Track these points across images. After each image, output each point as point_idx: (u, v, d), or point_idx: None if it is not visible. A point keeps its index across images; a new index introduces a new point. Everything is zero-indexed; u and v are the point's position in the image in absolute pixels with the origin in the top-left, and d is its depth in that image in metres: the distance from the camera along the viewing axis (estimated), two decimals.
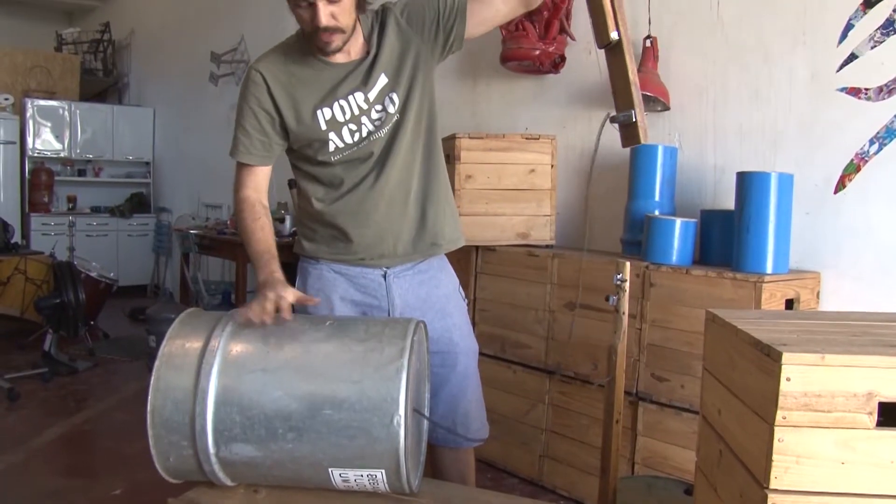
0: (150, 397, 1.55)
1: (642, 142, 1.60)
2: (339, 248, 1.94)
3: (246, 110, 1.88)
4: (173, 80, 7.66)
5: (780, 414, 1.12)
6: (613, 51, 1.60)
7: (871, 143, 2.36)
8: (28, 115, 7.57)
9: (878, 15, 2.34)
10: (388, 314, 1.94)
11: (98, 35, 8.82)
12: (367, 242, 1.91)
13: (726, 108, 2.73)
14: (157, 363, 1.58)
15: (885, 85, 2.33)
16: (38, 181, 7.57)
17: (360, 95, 1.86)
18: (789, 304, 2.36)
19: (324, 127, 1.85)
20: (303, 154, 1.92)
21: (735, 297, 2.30)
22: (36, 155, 7.67)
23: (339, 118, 1.85)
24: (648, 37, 2.87)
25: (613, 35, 1.58)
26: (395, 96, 1.87)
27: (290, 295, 1.69)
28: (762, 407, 1.16)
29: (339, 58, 1.85)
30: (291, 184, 4.69)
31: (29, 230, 7.35)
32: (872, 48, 2.36)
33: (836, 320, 1.53)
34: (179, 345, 1.61)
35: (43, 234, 7.22)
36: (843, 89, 2.43)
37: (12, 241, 5.69)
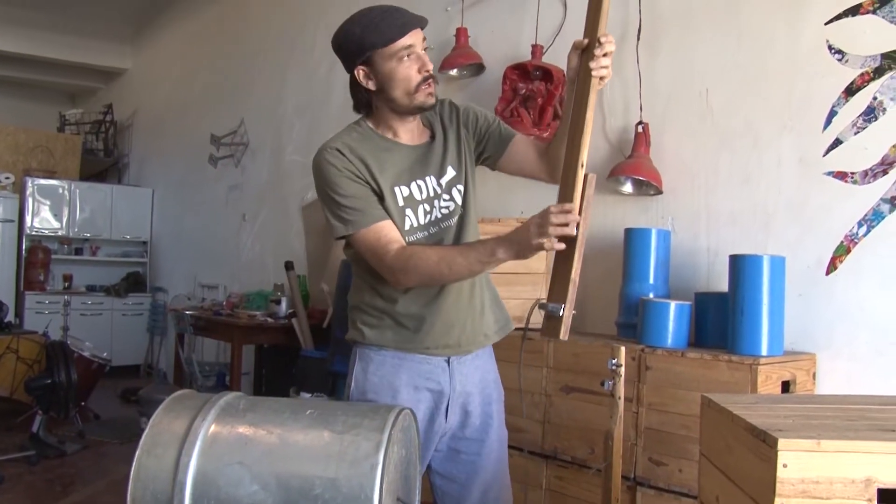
0: (130, 487, 1.56)
1: (562, 338, 1.62)
2: (406, 336, 1.91)
3: (342, 182, 1.83)
4: (173, 161, 7.78)
5: (777, 501, 1.11)
6: (568, 247, 1.63)
7: (860, 225, 2.40)
8: (28, 193, 7.67)
9: (860, 102, 2.41)
10: (449, 399, 1.93)
11: (101, 116, 8.99)
12: (436, 332, 1.91)
13: (718, 191, 2.78)
14: (138, 451, 1.59)
15: (870, 169, 2.38)
16: (34, 259, 7.59)
17: (433, 180, 1.91)
18: (785, 386, 2.35)
19: (401, 203, 1.87)
20: None
21: (731, 379, 2.30)
22: (34, 233, 7.72)
23: (417, 196, 1.89)
24: (640, 122, 2.94)
25: (572, 231, 1.62)
26: (461, 188, 1.94)
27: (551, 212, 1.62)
28: (760, 494, 1.16)
29: (405, 138, 1.93)
30: (289, 266, 4.72)
31: (23, 309, 7.33)
32: (856, 134, 2.42)
33: (833, 404, 1.53)
34: (162, 432, 1.61)
35: (37, 313, 7.21)
36: (829, 173, 2.48)
37: (6, 319, 5.66)
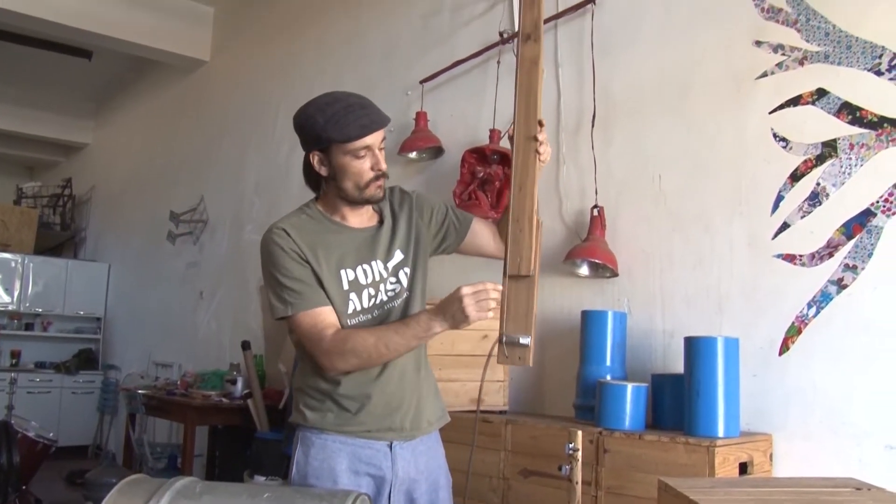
0: None
1: (530, 364, 1.77)
2: (347, 418, 1.91)
3: (286, 263, 1.86)
4: (131, 236, 7.71)
5: None
6: (524, 281, 1.77)
7: (809, 306, 2.45)
8: None
9: (805, 188, 2.50)
10: (391, 485, 1.91)
11: (59, 190, 8.93)
12: (378, 414, 1.91)
13: (672, 274, 2.83)
14: None
15: (817, 252, 2.45)
16: None
17: (380, 264, 1.94)
18: (743, 467, 2.35)
19: (346, 287, 1.89)
20: None
21: (689, 462, 2.29)
22: None
23: (362, 281, 1.91)
24: (596, 206, 3.00)
25: (526, 270, 1.79)
26: (407, 271, 1.98)
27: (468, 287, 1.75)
28: None
29: (354, 222, 1.96)
30: (245, 345, 4.66)
31: None
32: (802, 218, 2.50)
33: (787, 487, 1.54)
34: None
35: None
36: (779, 256, 2.54)
37: None
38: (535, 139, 1.85)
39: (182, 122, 7.00)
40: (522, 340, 1.75)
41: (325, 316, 1.86)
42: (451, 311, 1.74)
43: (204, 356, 5.87)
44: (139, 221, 7.49)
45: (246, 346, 4.67)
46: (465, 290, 1.73)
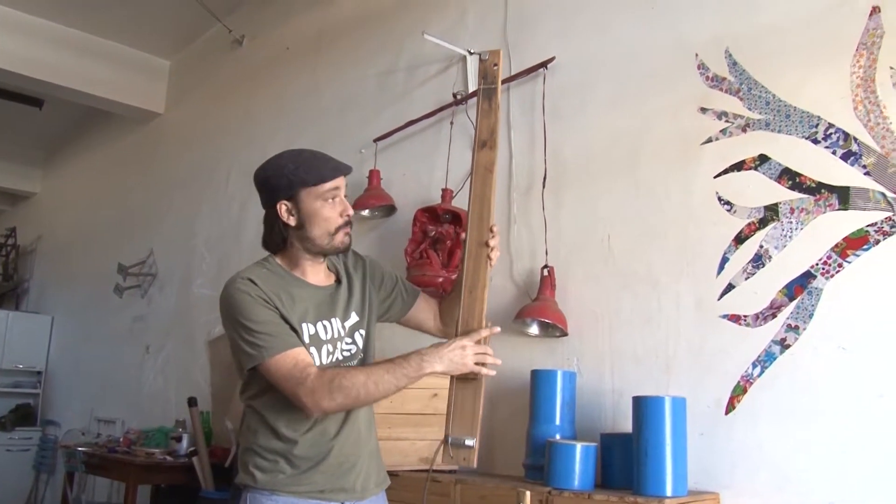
0: None
1: (474, 466, 1.83)
2: (301, 479, 1.89)
3: (255, 308, 1.84)
4: (76, 288, 7.54)
5: None
6: (470, 383, 1.86)
7: (754, 366, 2.50)
8: None
9: (749, 250, 2.56)
10: None
11: (3, 239, 8.72)
12: (332, 474, 1.90)
13: (621, 333, 2.86)
14: None
15: (761, 312, 2.51)
16: None
17: (338, 322, 1.96)
18: None
19: (307, 340, 1.88)
20: None
21: None
22: None
23: (322, 336, 1.92)
24: (546, 266, 3.03)
25: (473, 373, 1.85)
26: (363, 332, 2.00)
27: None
28: None
29: (313, 279, 1.98)
30: (192, 402, 4.56)
31: None
32: (746, 279, 2.56)
33: None
34: None
35: None
36: (724, 316, 2.59)
37: None
38: (487, 245, 1.90)
39: (133, 174, 6.93)
40: (468, 442, 1.80)
41: (305, 356, 1.84)
42: (450, 356, 1.80)
43: (149, 412, 5.72)
44: (86, 273, 7.34)
45: (192, 402, 4.56)
46: (467, 341, 1.82)
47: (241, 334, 1.84)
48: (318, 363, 1.89)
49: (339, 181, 1.93)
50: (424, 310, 2.17)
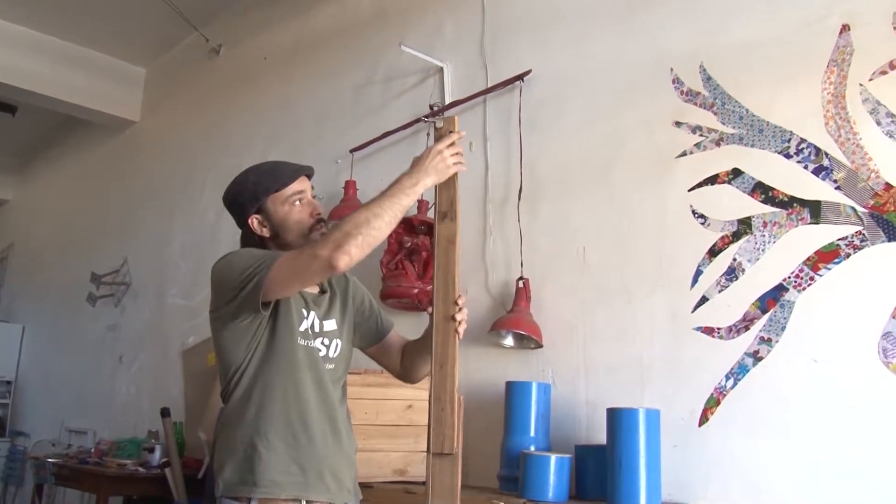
0: None
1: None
2: (278, 480, 1.88)
3: (245, 253, 1.90)
4: (49, 297, 7.45)
5: None
6: (447, 458, 1.85)
7: (728, 378, 2.51)
8: None
9: (722, 263, 2.59)
10: None
11: None
12: (309, 476, 1.90)
13: (595, 345, 2.87)
14: None
15: (734, 325, 2.53)
16: None
17: (317, 319, 1.97)
18: None
19: (301, 306, 1.94)
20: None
21: None
22: None
23: (305, 321, 1.94)
24: (521, 278, 3.04)
25: (449, 448, 1.84)
26: (339, 343, 2.01)
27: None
28: None
29: None
30: (165, 412, 4.51)
31: None
32: (720, 292, 2.58)
33: None
34: None
35: None
36: (698, 328, 2.61)
37: None
38: (454, 319, 1.87)
39: (108, 182, 6.86)
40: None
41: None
42: (434, 166, 1.82)
43: (121, 423, 5.64)
44: (58, 282, 7.25)
45: (165, 412, 4.51)
46: (440, 146, 1.83)
47: (241, 272, 1.81)
48: (307, 330, 1.92)
49: (303, 183, 1.96)
50: (390, 346, 2.17)
